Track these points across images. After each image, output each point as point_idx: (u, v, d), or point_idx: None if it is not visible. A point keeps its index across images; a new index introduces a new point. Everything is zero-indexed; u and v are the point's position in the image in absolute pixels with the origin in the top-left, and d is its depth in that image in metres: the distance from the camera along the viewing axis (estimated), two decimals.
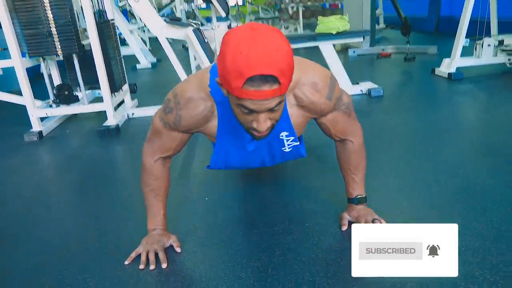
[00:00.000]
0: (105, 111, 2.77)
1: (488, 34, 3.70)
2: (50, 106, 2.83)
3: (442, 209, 1.41)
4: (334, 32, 3.11)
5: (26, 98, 2.70)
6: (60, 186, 1.97)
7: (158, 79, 4.91)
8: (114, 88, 2.83)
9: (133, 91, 3.32)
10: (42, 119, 2.83)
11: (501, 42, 3.55)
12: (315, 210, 1.47)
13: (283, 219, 1.43)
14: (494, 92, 3.06)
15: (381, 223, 1.32)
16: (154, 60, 5.73)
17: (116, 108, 2.96)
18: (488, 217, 1.32)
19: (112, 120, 2.77)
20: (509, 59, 3.58)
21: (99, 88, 2.75)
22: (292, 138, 1.22)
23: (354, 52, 5.26)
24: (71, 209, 1.69)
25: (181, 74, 3.12)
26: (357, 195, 1.36)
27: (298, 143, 1.26)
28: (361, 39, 3.97)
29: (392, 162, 1.83)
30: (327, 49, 3.13)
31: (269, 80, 0.85)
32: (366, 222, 1.32)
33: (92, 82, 2.82)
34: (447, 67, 3.59)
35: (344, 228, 1.34)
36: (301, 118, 1.16)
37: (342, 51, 5.38)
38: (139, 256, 1.28)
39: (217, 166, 1.36)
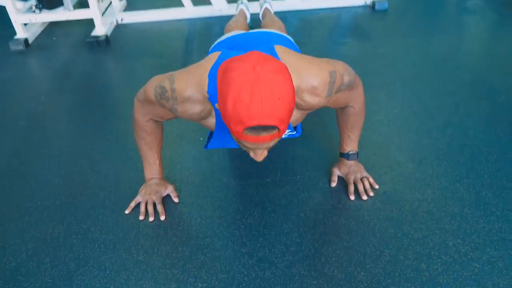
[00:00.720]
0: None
1: None
2: (33, 11, 2.64)
3: (429, 166, 1.46)
4: None
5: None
6: (54, 113, 1.96)
7: None
8: None
9: None
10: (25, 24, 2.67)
11: None
12: (308, 161, 1.52)
13: (275, 170, 1.49)
14: (507, 14, 2.87)
15: (369, 181, 1.39)
16: None
17: (103, 13, 2.77)
18: (471, 179, 1.39)
19: (100, 29, 2.62)
20: None
21: None
22: (289, 131, 1.21)
23: None
24: (68, 144, 1.71)
25: None
26: (350, 151, 1.39)
27: (295, 132, 1.25)
28: None
29: (386, 104, 1.82)
30: None
31: (269, 128, 0.84)
32: (355, 179, 1.38)
33: None
34: None
35: (333, 184, 1.40)
36: (299, 116, 1.13)
37: None
38: (138, 205, 1.36)
39: (213, 147, 1.36)
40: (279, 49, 1.11)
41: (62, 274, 1.16)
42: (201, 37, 2.70)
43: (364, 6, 3.01)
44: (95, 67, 2.38)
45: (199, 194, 1.41)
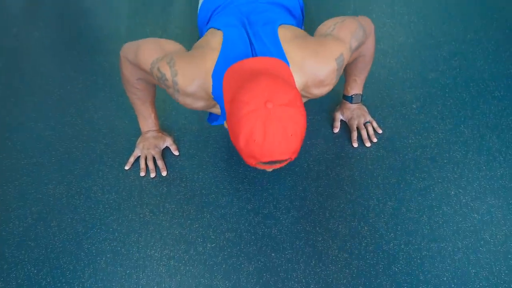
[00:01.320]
0: None
1: None
2: None
3: (434, 106, 1.42)
4: None
5: None
6: (31, 49, 1.79)
7: None
8: None
9: None
10: None
11: None
12: (309, 103, 1.46)
13: None
14: None
15: (372, 126, 1.36)
16: None
17: None
18: (476, 120, 1.36)
19: None
20: None
21: None
22: None
23: None
24: (52, 88, 1.60)
25: None
26: (354, 94, 1.33)
27: None
28: None
29: (391, 31, 1.69)
30: None
31: (282, 161, 0.84)
32: (358, 124, 1.35)
33: None
34: None
35: (336, 130, 1.37)
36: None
37: None
38: (137, 160, 1.33)
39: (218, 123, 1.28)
40: (282, 34, 1.00)
41: (72, 238, 1.18)
42: None
43: None
44: None
45: (199, 145, 1.37)
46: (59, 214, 1.23)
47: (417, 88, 1.47)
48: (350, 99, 1.34)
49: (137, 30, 1.78)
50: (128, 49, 1.09)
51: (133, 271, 1.11)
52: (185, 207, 1.22)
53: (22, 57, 1.74)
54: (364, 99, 1.39)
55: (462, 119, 1.37)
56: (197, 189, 1.26)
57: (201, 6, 1.25)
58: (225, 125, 0.92)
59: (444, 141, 1.31)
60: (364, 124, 1.35)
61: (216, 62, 0.96)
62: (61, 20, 1.91)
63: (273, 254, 1.12)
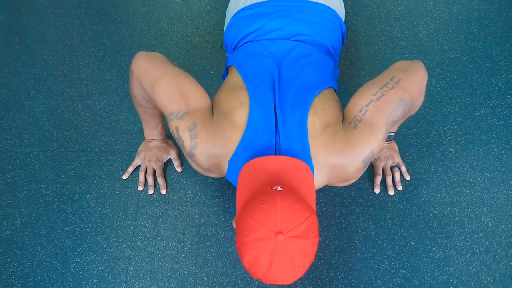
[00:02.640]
0: None
1: None
2: None
3: (474, 151, 1.24)
4: None
5: None
6: (33, 8, 1.60)
7: None
8: None
9: None
10: None
11: None
12: None
13: None
14: None
15: (400, 171, 1.21)
16: None
17: None
18: None
19: None
20: None
21: None
22: None
23: None
24: (53, 60, 1.44)
25: None
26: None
27: None
28: None
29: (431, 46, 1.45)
30: None
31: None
32: (385, 167, 1.20)
33: None
34: None
35: None
36: None
37: None
38: (136, 169, 1.23)
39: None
40: (311, 123, 0.85)
41: (59, 253, 1.12)
42: None
43: None
44: None
45: None
46: (48, 222, 1.16)
47: (460, 126, 1.28)
48: None
49: (147, 3, 1.55)
50: (143, 73, 0.92)
51: None
52: (181, 237, 1.14)
53: (28, 14, 1.56)
54: (396, 134, 1.22)
55: (504, 176, 1.20)
56: (196, 217, 1.16)
57: (227, 26, 1.10)
58: (234, 224, 0.83)
59: (478, 201, 1.16)
60: (392, 168, 1.20)
61: (236, 149, 0.85)
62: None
63: None
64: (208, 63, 1.41)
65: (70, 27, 1.51)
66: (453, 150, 1.24)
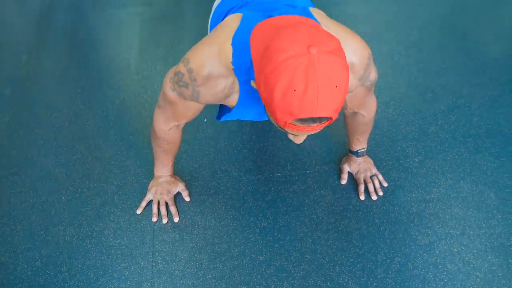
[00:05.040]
0: None
1: None
2: None
3: (435, 160, 1.49)
4: None
5: None
6: (40, 78, 1.79)
7: None
8: None
9: None
10: None
11: None
12: (317, 153, 1.51)
13: (284, 164, 1.47)
14: None
15: (378, 179, 1.41)
16: None
17: None
18: (475, 177, 1.44)
19: None
20: None
21: None
22: None
23: None
24: (61, 122, 1.60)
25: None
26: (360, 149, 1.39)
27: None
28: None
29: (392, 82, 1.77)
30: None
31: (322, 120, 0.73)
32: (365, 177, 1.40)
33: None
34: None
35: (343, 182, 1.42)
36: None
37: None
38: (149, 204, 1.35)
39: (226, 119, 1.28)
40: (316, 13, 0.95)
41: (82, 285, 1.18)
42: None
43: None
44: (76, 16, 2.13)
45: (210, 191, 1.40)
46: (69, 259, 1.23)
47: (418, 141, 1.54)
48: (356, 153, 1.40)
49: (147, 66, 1.80)
50: (158, 99, 1.12)
51: None
52: (198, 256, 1.24)
53: (31, 87, 1.74)
54: (368, 151, 1.45)
55: (462, 175, 1.44)
56: (209, 238, 1.28)
57: (214, 11, 1.21)
58: (252, 84, 0.82)
59: (446, 196, 1.38)
60: (370, 177, 1.41)
61: (237, 28, 0.88)
62: (71, 50, 1.92)
63: None
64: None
65: (74, 95, 1.70)
66: (417, 159, 1.49)
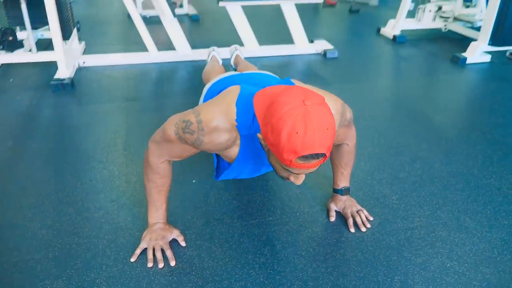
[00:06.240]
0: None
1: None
2: None
3: (410, 197, 1.61)
4: None
5: None
6: (26, 158, 1.83)
7: (92, 14, 4.43)
8: (66, 34, 2.54)
9: (77, 29, 3.02)
10: None
11: (439, 8, 3.80)
12: (302, 198, 1.59)
13: (274, 209, 1.53)
14: (433, 61, 3.31)
15: (364, 213, 1.49)
16: None
17: None
18: (449, 206, 1.56)
19: (64, 72, 2.54)
20: (445, 25, 3.87)
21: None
22: None
23: None
24: (48, 191, 1.61)
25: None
26: (343, 187, 1.50)
27: None
28: (320, 0, 3.87)
29: (359, 143, 1.98)
30: (289, 8, 3.08)
31: (319, 156, 0.93)
32: (352, 213, 1.48)
33: (36, 23, 2.52)
34: (392, 28, 3.77)
35: (332, 219, 1.49)
36: None
37: None
38: (144, 252, 1.32)
39: (225, 178, 1.40)
40: (297, 82, 1.21)
41: None
42: (169, 80, 2.73)
43: (316, 54, 3.27)
44: (63, 110, 2.28)
45: (205, 237, 1.40)
46: None
47: (392, 184, 1.69)
48: (340, 191, 1.51)
49: (134, 143, 1.91)
50: (154, 134, 1.23)
51: None
52: None
53: (16, 165, 1.77)
54: (350, 194, 1.56)
55: (437, 206, 1.56)
56: (208, 277, 1.25)
57: (207, 91, 1.48)
58: (258, 136, 1.02)
59: (427, 223, 1.47)
60: (357, 212, 1.49)
61: (239, 94, 1.11)
62: (59, 134, 2.02)
63: None
64: (191, 175, 1.71)
65: (61, 169, 1.74)
66: (394, 198, 1.61)
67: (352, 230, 1.43)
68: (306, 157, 0.91)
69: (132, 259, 1.29)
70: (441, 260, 1.32)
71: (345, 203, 1.50)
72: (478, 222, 1.49)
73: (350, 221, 1.45)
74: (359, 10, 4.81)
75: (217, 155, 1.47)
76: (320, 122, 0.89)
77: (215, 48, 2.42)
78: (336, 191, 1.52)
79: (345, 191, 1.51)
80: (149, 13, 4.10)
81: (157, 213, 1.36)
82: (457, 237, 1.42)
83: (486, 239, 1.41)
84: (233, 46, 2.51)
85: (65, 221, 1.46)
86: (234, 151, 1.17)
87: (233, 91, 1.15)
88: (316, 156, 0.91)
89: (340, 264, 1.30)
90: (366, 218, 1.49)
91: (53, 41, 2.43)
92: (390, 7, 4.71)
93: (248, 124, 1.09)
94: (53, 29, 2.38)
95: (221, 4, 2.92)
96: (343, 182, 1.50)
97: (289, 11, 3.08)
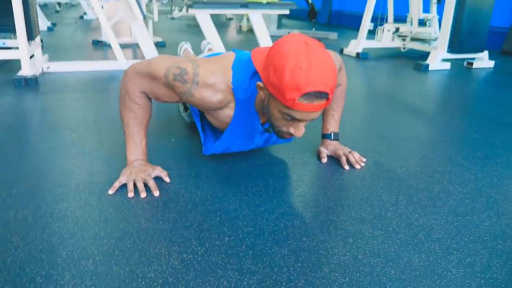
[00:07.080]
0: (16, 59, 2.40)
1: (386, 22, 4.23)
2: None
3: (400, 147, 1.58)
4: (264, 2, 3.18)
5: None
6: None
7: (59, 42, 4.38)
8: (31, 34, 2.46)
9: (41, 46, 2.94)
10: None
11: (397, 29, 4.08)
12: (291, 147, 1.52)
13: (263, 155, 1.45)
14: (399, 69, 3.48)
15: (356, 154, 1.43)
16: (49, 24, 5.26)
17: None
18: (439, 153, 1.54)
19: (27, 70, 2.40)
20: (403, 44, 4.13)
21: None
22: None
23: None
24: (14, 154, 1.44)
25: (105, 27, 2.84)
26: (332, 131, 1.45)
27: None
28: (287, 11, 4.04)
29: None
30: (256, 17, 3.19)
31: (322, 96, 0.92)
32: (344, 154, 1.41)
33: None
34: (355, 47, 3.98)
35: (324, 160, 1.42)
36: None
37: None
38: (124, 186, 1.18)
39: (215, 152, 1.33)
40: None
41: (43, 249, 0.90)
42: None
43: None
44: (26, 98, 2.13)
45: (191, 174, 1.28)
46: (23, 233, 0.96)
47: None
48: (330, 136, 1.46)
49: (105, 119, 1.79)
50: (138, 64, 1.14)
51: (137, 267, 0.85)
52: (189, 214, 1.06)
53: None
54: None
55: (428, 151, 1.54)
56: (198, 200, 1.12)
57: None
58: (258, 85, 1.00)
59: (423, 163, 1.43)
60: (349, 153, 1.43)
61: (235, 58, 1.10)
62: (27, 115, 1.85)
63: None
64: (169, 133, 1.60)
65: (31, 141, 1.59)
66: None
67: (346, 167, 1.37)
68: (309, 96, 0.90)
69: (110, 192, 1.15)
70: (442, 185, 1.27)
71: (336, 146, 1.45)
72: (471, 160, 1.47)
73: (343, 158, 1.39)
74: (320, 40, 5.08)
75: (203, 129, 1.40)
76: (323, 61, 0.89)
77: (187, 42, 2.42)
78: (325, 136, 1.46)
79: (335, 136, 1.46)
80: (121, 40, 4.10)
81: (136, 149, 1.23)
82: (454, 170, 1.38)
83: (483, 171, 1.38)
84: (205, 41, 2.52)
85: (31, 168, 1.29)
86: (228, 114, 1.13)
87: (229, 55, 1.12)
88: (319, 95, 0.90)
89: (340, 189, 1.21)
90: (360, 159, 1.43)
91: (18, 37, 2.33)
92: (349, 39, 4.99)
93: (244, 87, 1.07)
94: (19, 25, 2.29)
95: (190, 11, 2.98)
96: (333, 125, 1.46)
97: (257, 20, 3.18)
